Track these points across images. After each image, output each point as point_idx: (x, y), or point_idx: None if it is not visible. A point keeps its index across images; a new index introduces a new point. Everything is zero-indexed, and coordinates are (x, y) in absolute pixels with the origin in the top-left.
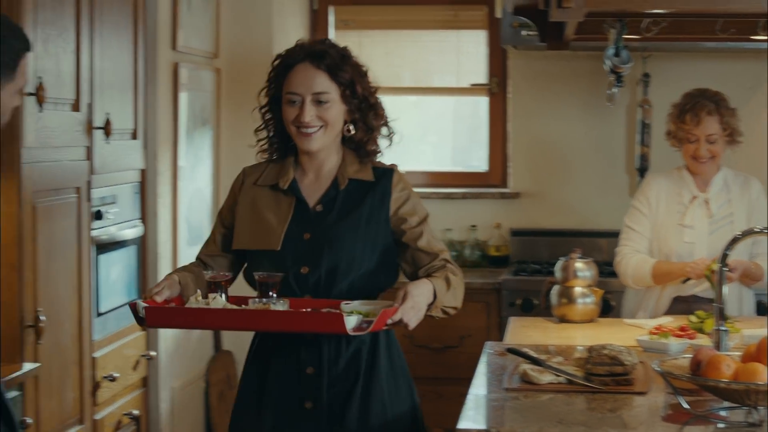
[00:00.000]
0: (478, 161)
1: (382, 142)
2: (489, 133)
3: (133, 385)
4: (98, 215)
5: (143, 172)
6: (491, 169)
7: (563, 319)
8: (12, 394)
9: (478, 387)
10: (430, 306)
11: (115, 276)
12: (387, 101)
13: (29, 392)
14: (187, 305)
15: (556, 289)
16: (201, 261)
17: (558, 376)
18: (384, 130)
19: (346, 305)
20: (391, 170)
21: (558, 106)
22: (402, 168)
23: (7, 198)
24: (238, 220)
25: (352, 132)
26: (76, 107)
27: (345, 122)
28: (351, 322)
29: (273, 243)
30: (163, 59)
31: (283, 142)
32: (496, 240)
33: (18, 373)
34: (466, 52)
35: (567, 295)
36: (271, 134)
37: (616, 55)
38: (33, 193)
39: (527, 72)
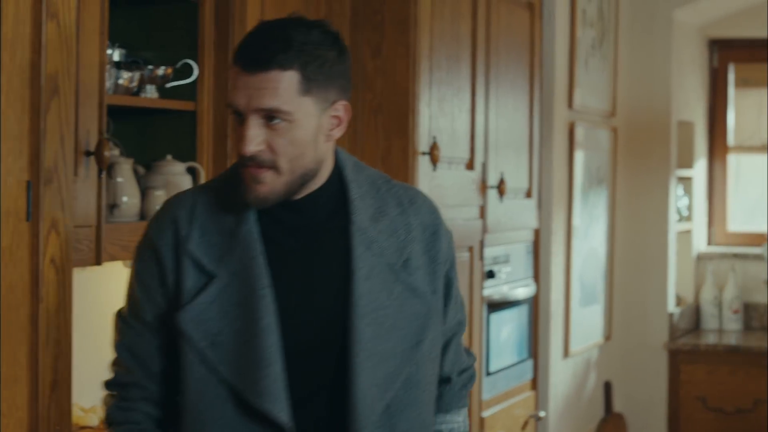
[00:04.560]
0: None
1: None
2: None
3: None
4: (490, 274)
5: (537, 231)
6: None
7: None
8: None
9: None
10: None
11: (506, 335)
12: None
13: None
14: None
15: None
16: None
17: None
18: None
19: None
20: None
21: None
22: None
23: None
24: None
25: None
26: (470, 166)
27: None
28: None
29: None
30: (559, 118)
31: None
32: None
33: None
34: None
35: None
36: None
37: None
38: None
39: None
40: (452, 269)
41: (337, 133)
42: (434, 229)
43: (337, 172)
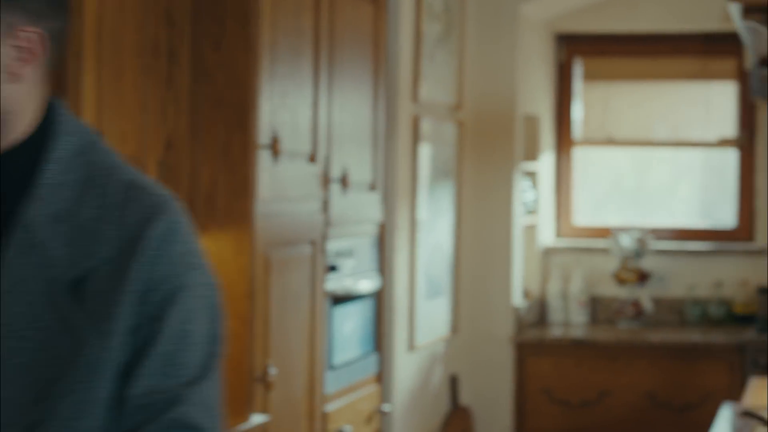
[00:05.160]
0: (726, 216)
1: None
2: (738, 188)
3: None
4: (333, 268)
5: (381, 224)
6: (739, 224)
7: None
8: None
9: None
10: None
11: (349, 329)
12: (629, 154)
13: None
14: None
15: None
16: None
17: None
18: None
19: None
20: None
21: None
22: (646, 222)
23: (239, 250)
24: None
25: None
26: (312, 159)
27: None
28: None
29: None
30: (404, 112)
31: None
32: (742, 297)
33: (246, 426)
34: (715, 104)
35: None
36: None
37: None
38: (266, 246)
39: None
40: (167, 311)
41: (28, 72)
42: (142, 246)
43: (41, 142)
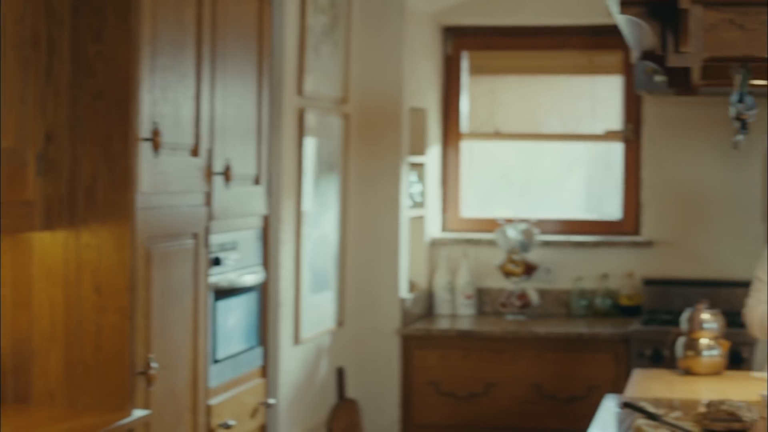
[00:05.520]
0: (611, 209)
1: None
2: (623, 181)
3: None
4: (217, 261)
5: (266, 217)
6: (625, 217)
7: (688, 372)
8: None
9: None
10: None
11: (233, 322)
12: (517, 147)
13: None
14: None
15: (681, 340)
16: None
17: None
18: None
19: None
20: None
21: (693, 153)
22: (534, 215)
23: (120, 243)
24: None
25: None
26: (195, 153)
27: None
28: None
29: None
30: (289, 105)
31: None
32: (627, 289)
33: (127, 420)
34: (601, 97)
35: (692, 347)
36: None
37: (740, 101)
38: (147, 239)
39: (662, 118)
40: None
41: None
42: None
43: None
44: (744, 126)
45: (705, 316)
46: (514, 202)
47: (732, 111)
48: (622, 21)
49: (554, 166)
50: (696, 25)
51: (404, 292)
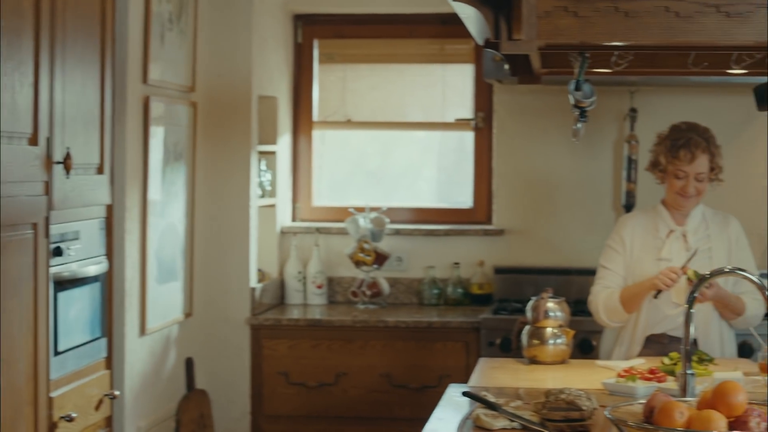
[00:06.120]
0: (464, 197)
1: None
2: (474, 169)
3: (96, 425)
4: (58, 251)
5: (109, 207)
6: (476, 205)
7: (534, 361)
8: None
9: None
10: None
11: (76, 313)
12: (370, 136)
13: None
14: None
15: (527, 329)
16: None
17: (512, 421)
18: None
19: None
20: None
21: (543, 141)
22: (388, 203)
23: None
24: None
25: None
26: (33, 141)
27: None
28: None
29: None
30: (133, 93)
31: None
32: (479, 278)
33: None
34: (452, 86)
35: (537, 336)
36: None
37: (578, 89)
38: None
39: (512, 107)
40: None
41: None
42: None
43: None
44: (583, 114)
45: (549, 305)
46: (368, 191)
47: (570, 99)
48: (459, 8)
49: (408, 155)
50: (529, 12)
51: (254, 281)
